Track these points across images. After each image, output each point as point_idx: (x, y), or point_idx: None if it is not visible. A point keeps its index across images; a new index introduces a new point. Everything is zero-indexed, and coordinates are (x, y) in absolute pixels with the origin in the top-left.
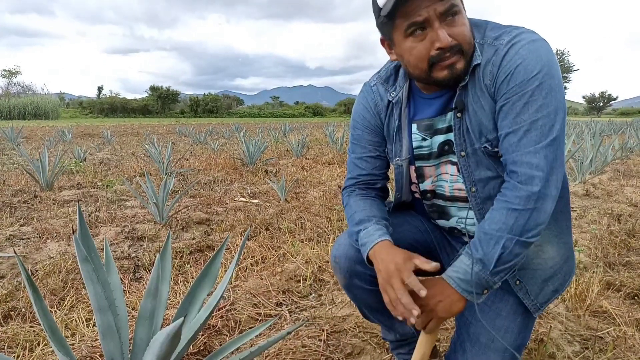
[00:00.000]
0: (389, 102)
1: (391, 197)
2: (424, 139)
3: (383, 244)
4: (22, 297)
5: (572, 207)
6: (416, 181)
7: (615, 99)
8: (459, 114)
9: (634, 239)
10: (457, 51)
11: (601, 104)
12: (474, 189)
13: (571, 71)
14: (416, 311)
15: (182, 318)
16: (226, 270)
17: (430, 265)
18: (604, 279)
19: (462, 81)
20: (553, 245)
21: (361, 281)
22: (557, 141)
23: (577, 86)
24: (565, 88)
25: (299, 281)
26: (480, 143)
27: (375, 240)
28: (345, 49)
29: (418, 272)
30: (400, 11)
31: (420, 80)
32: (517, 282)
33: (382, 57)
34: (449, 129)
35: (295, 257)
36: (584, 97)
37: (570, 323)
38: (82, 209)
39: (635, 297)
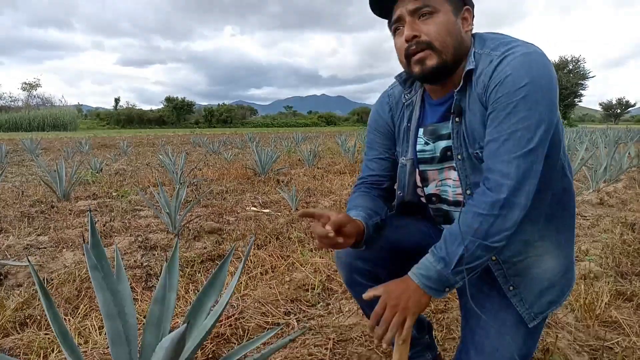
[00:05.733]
0: (403, 104)
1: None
2: (426, 143)
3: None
4: (38, 305)
5: (585, 216)
6: (421, 185)
7: (633, 106)
8: (457, 119)
9: None
10: (426, 46)
11: (618, 110)
12: (469, 192)
13: (587, 78)
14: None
15: (185, 324)
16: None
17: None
18: (615, 288)
19: (457, 86)
20: (553, 257)
21: (361, 277)
22: (534, 153)
23: (594, 93)
24: (581, 95)
25: (307, 290)
26: (474, 149)
27: None
28: (358, 57)
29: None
30: (385, 10)
31: (412, 78)
32: (511, 287)
33: (396, 66)
34: (451, 136)
35: (304, 266)
36: (600, 104)
37: (579, 333)
38: (97, 219)
39: None
